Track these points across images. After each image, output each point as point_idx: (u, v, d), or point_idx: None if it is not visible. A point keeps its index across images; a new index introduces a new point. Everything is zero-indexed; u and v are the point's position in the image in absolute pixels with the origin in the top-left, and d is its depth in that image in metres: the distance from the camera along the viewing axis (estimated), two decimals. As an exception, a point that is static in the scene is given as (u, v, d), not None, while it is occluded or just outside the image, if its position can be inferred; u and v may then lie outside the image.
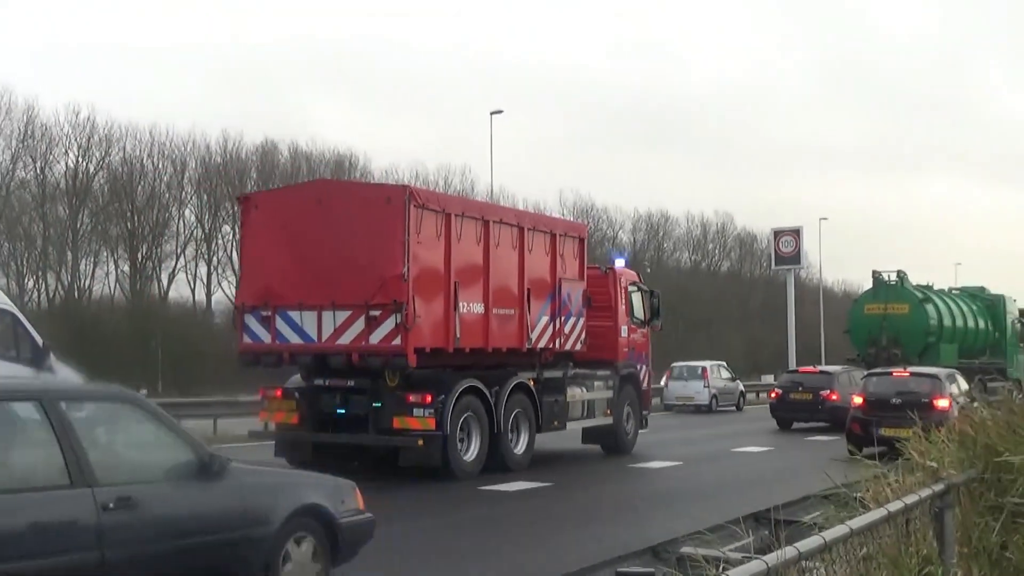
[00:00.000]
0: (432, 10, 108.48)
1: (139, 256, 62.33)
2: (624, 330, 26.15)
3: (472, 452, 20.79)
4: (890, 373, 26.99)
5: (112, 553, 8.11)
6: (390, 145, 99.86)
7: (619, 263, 27.16)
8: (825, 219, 77.84)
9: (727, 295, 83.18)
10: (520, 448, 21.93)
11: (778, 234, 61.31)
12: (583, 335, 23.71)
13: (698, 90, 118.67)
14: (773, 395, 36.10)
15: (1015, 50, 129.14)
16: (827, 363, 47.71)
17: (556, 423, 23.03)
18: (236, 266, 50.98)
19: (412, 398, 20.09)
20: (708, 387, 45.29)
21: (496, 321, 21.19)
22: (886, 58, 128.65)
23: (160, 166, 63.75)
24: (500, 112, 54.81)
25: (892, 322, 37.98)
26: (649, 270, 68.07)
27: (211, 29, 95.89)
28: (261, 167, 65.99)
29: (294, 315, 20.19)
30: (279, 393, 20.89)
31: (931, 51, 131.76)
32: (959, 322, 40.12)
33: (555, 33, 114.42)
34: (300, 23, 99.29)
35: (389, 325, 19.35)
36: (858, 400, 25.97)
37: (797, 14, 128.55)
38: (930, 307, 38.86)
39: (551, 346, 22.66)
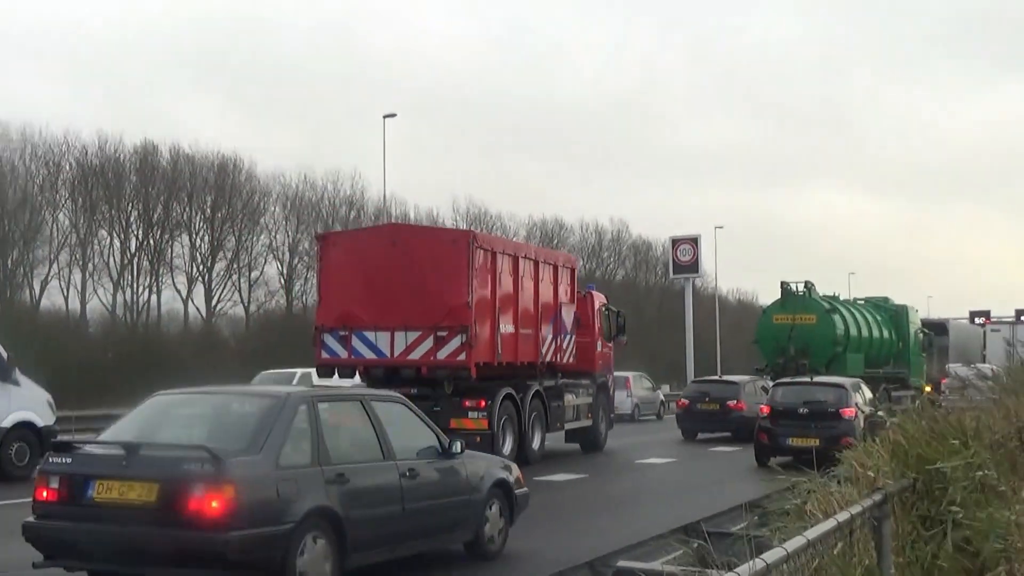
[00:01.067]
0: (307, 8, 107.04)
1: (9, 262, 61.95)
2: (599, 345, 31.50)
3: (507, 448, 25.74)
4: (796, 383, 27.13)
5: (408, 506, 11.52)
6: (273, 147, 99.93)
7: (591, 289, 32.88)
8: (721, 227, 76.96)
9: (622, 304, 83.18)
10: (536, 445, 27.26)
11: (676, 242, 62.15)
12: (574, 350, 29.16)
13: (588, 96, 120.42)
14: (680, 405, 36.74)
15: (888, 59, 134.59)
16: (723, 373, 48.77)
17: (558, 424, 28.56)
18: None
19: (468, 403, 25.01)
20: (631, 396, 47.14)
21: (521, 339, 26.24)
22: (765, 66, 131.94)
23: (33, 168, 63.28)
24: (393, 116, 53.86)
25: (800, 332, 38.64)
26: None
27: (77, 18, 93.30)
28: (141, 170, 66.08)
29: (369, 335, 24.93)
30: None
31: (809, 60, 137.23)
32: (865, 332, 41.17)
33: (445, 36, 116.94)
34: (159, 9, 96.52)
35: (455, 343, 24.36)
36: (765, 410, 26.09)
37: (677, 25, 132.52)
38: (837, 317, 39.57)
39: (553, 360, 27.88)
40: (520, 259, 26.47)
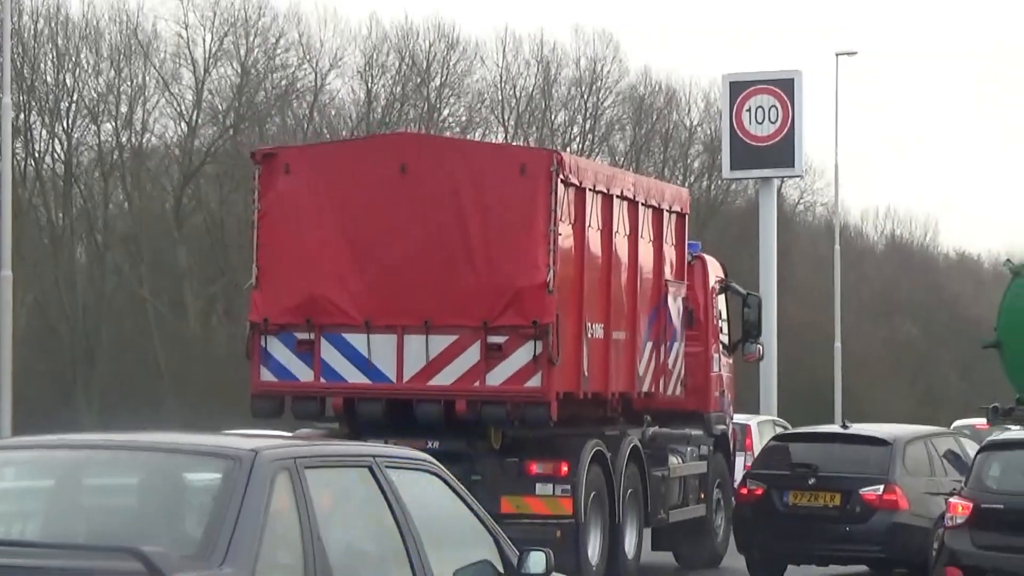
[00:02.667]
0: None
1: None
2: (716, 361, 21.85)
3: (594, 551, 17.43)
4: None
5: None
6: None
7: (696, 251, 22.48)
8: (853, 54, 45.14)
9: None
10: (631, 549, 18.42)
11: (741, 92, 36.58)
12: (683, 371, 20.18)
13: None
14: (743, 495, 20.34)
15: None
16: (865, 416, 32.49)
17: (661, 512, 19.27)
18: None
19: (537, 467, 16.69)
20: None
21: (614, 350, 18.10)
22: None
23: None
24: None
25: None
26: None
27: None
28: None
29: (354, 339, 16.51)
30: None
31: None
32: None
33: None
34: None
35: (522, 358, 16.13)
36: (960, 510, 15.67)
37: None
38: None
39: (654, 388, 19.19)
40: (615, 199, 18.05)
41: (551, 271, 16.00)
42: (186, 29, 52.80)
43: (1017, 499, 14.94)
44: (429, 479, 8.91)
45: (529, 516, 16.40)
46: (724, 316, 22.18)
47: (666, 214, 19.42)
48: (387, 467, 8.47)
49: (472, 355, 16.33)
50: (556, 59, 57.39)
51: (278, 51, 54.14)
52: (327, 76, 54.93)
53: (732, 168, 39.43)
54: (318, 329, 16.59)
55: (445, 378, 16.40)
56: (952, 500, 15.53)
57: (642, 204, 18.71)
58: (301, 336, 16.65)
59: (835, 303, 45.42)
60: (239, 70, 53.62)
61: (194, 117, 53.58)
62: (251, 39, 53.55)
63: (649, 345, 19.05)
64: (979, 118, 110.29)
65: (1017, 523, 14.81)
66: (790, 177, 49.06)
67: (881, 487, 18.48)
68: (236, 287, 52.94)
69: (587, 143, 57.66)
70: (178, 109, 53.82)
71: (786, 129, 36.58)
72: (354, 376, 16.58)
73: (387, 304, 16.49)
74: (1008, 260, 27.02)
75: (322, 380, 16.64)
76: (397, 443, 16.05)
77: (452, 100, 56.53)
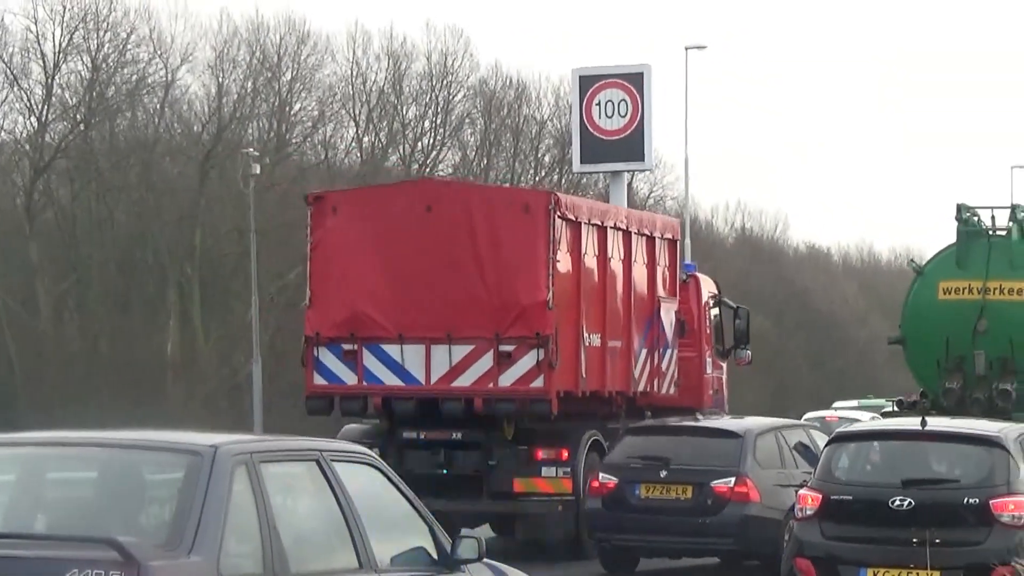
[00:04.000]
0: None
1: None
2: (708, 364, 26.01)
3: None
4: (884, 433, 17.36)
5: None
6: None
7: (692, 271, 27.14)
8: (702, 48, 53.33)
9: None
10: None
11: (592, 86, 36.70)
12: (676, 373, 24.32)
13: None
14: (594, 488, 20.41)
15: None
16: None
17: None
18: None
19: (542, 453, 20.81)
20: None
21: (610, 356, 22.20)
22: None
23: None
24: None
25: (1001, 320, 24.87)
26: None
27: None
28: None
29: (391, 350, 20.70)
30: None
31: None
32: None
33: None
34: None
35: (527, 363, 20.35)
36: (810, 501, 15.57)
37: None
38: None
39: (649, 388, 23.45)
40: (609, 231, 22.30)
41: (550, 291, 20.15)
42: (35, 23, 54.13)
43: (865, 490, 15.21)
44: (370, 472, 9.69)
45: (537, 494, 20.62)
46: (720, 327, 26.49)
47: (658, 241, 23.63)
48: (333, 460, 9.20)
49: (487, 361, 20.36)
50: (406, 54, 60.87)
51: (129, 46, 55.56)
52: (178, 71, 56.93)
53: (582, 162, 39.38)
54: (360, 341, 20.65)
55: (465, 380, 20.46)
56: (801, 492, 15.61)
57: (635, 233, 22.87)
58: (347, 347, 20.73)
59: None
60: (90, 65, 55.27)
61: (44, 112, 55.25)
62: (102, 34, 55.06)
63: (644, 352, 23.01)
64: (814, 112, 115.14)
65: (865, 513, 14.99)
66: (640, 171, 51.32)
67: (732, 479, 19.10)
68: (87, 283, 55.28)
69: (438, 137, 61.21)
70: (27, 104, 55.34)
71: (636, 123, 37.18)
72: (390, 379, 20.67)
73: (416, 320, 20.54)
74: (912, 260, 29.59)
75: (364, 383, 20.72)
76: (426, 436, 20.81)
77: (303, 95, 58.92)
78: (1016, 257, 25.04)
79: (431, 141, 61.58)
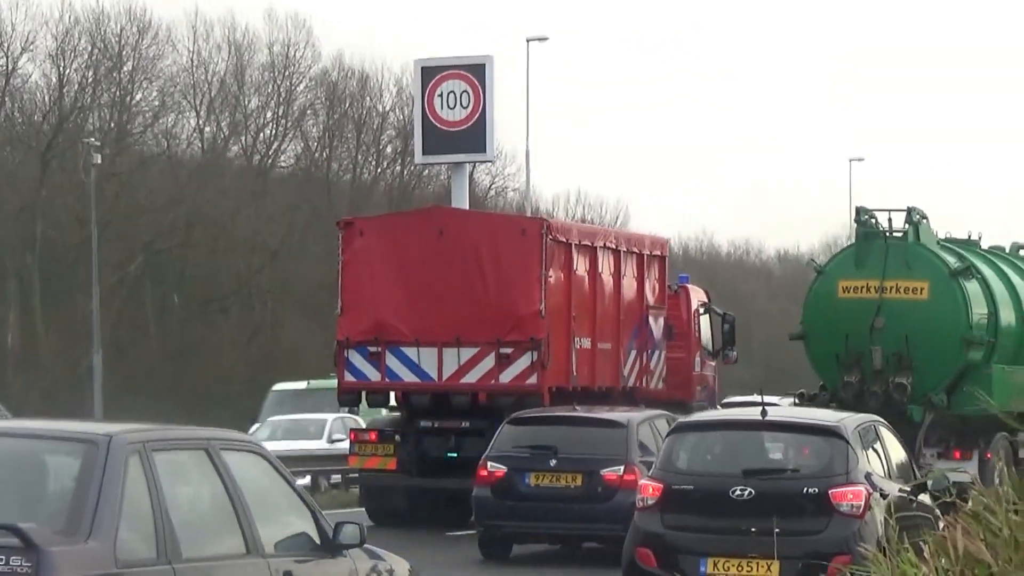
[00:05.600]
0: None
1: None
2: (697, 363, 30.88)
3: None
4: (727, 422, 17.98)
5: None
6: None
7: (685, 283, 31.99)
8: (544, 39, 56.28)
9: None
10: None
11: (434, 76, 37.10)
12: (664, 370, 28.96)
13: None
14: (483, 477, 21.56)
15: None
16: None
17: None
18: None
19: None
20: None
21: (600, 357, 26.92)
22: None
23: None
24: None
25: (897, 317, 27.05)
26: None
27: None
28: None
29: (409, 352, 25.53)
30: (374, 436, 25.96)
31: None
32: None
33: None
34: None
35: (523, 363, 25.19)
36: (651, 491, 15.91)
37: None
38: (974, 287, 27.47)
39: (638, 384, 27.96)
40: (599, 250, 27.27)
41: (543, 303, 25.01)
42: None
43: (705, 480, 15.73)
44: (256, 460, 10.08)
45: None
46: (711, 330, 31.44)
47: (647, 257, 28.68)
48: (221, 449, 9.56)
49: (489, 361, 25.09)
50: (248, 43, 64.06)
51: (-31, 35, 57.43)
52: (19, 60, 59.55)
53: (424, 153, 40.22)
54: (384, 345, 25.36)
55: (471, 377, 25.18)
56: (643, 481, 16.11)
57: (624, 251, 27.78)
58: (372, 350, 25.47)
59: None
60: (-71, 55, 56.56)
61: None
62: (-59, 23, 56.63)
63: (633, 353, 27.72)
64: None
65: (705, 503, 15.48)
66: (481, 162, 51.50)
67: (621, 468, 20.54)
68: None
69: (280, 128, 64.42)
70: None
71: (477, 114, 37.75)
72: (409, 377, 25.42)
73: (431, 326, 25.14)
74: (812, 259, 33.57)
75: (387, 380, 25.54)
76: (439, 424, 25.50)
77: (144, 84, 61.98)
78: (912, 258, 27.23)
79: (273, 132, 64.54)
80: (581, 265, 26.65)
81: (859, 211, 28.12)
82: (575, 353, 26.28)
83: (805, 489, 15.20)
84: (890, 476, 16.15)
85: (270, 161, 63.95)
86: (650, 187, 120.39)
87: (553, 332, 25.55)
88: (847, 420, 16.33)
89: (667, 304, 29.84)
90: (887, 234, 27.77)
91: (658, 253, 29.67)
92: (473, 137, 39.19)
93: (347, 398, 26.28)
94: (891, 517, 13.68)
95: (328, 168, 64.85)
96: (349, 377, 25.86)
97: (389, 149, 67.15)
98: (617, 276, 27.72)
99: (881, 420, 17.70)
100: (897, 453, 17.14)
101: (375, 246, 25.89)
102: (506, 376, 25.30)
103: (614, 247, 27.92)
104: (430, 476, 25.64)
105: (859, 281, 27.66)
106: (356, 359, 25.77)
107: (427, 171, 62.21)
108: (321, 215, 59.90)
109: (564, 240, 26.24)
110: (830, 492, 14.95)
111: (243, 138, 64.37)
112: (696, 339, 31.23)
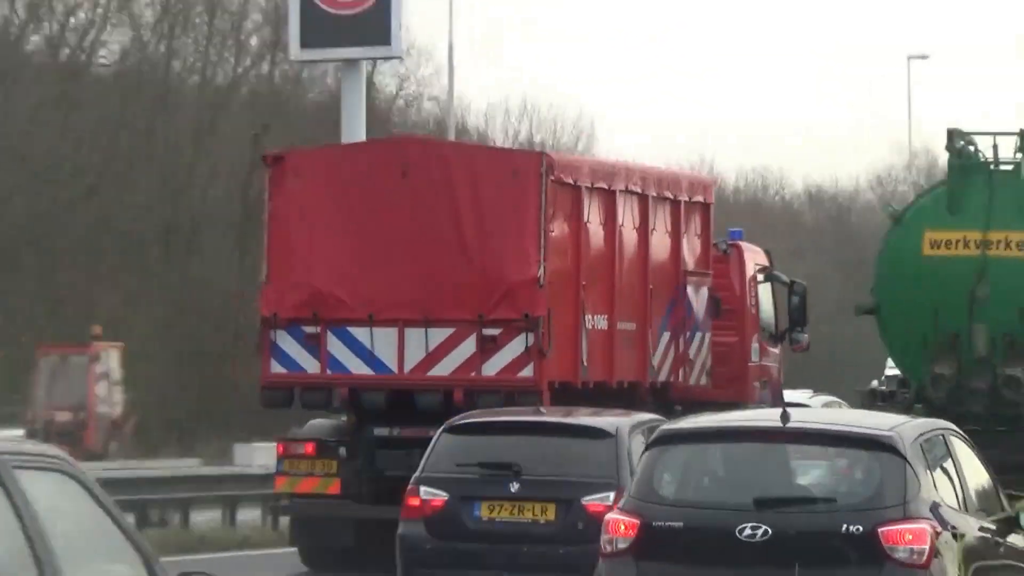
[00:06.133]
0: None
1: None
2: (755, 350, 30.89)
3: None
4: (728, 430, 16.56)
5: None
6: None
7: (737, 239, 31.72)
8: None
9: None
10: None
11: None
12: (709, 361, 29.06)
13: None
14: (411, 506, 20.94)
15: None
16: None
17: None
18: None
19: None
20: None
21: (620, 341, 26.92)
22: None
23: None
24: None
25: (1008, 284, 27.11)
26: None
27: None
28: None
29: (359, 333, 25.65)
30: (311, 448, 26.06)
31: None
32: None
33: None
34: None
35: (515, 349, 25.37)
36: (625, 529, 15.20)
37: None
38: None
39: (674, 379, 27.96)
40: (618, 195, 27.38)
41: (542, 267, 24.77)
42: None
43: (701, 514, 14.96)
44: (64, 482, 9.99)
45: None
46: (775, 304, 31.47)
47: (685, 205, 28.36)
48: (15, 467, 9.51)
49: (468, 347, 25.07)
50: None
51: None
52: None
53: (304, 46, 41.22)
54: (324, 323, 25.26)
55: (443, 369, 25.16)
56: (612, 516, 15.36)
57: (653, 197, 27.55)
58: (309, 330, 25.37)
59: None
60: None
61: None
62: None
63: (666, 335, 27.60)
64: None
65: (701, 547, 14.88)
66: (384, 59, 52.63)
67: (610, 494, 19.00)
68: None
69: (99, 11, 64.50)
70: None
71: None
72: (359, 368, 25.39)
73: (389, 299, 25.18)
74: (889, 204, 32.48)
75: (328, 372, 25.45)
76: (399, 433, 25.63)
77: None
78: None
79: (89, 16, 64.05)
80: (595, 216, 26.76)
81: (951, 135, 27.43)
82: (586, 336, 26.38)
83: (845, 527, 14.18)
84: (966, 508, 15.22)
85: (85, 56, 63.96)
86: (626, 100, 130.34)
87: (556, 307, 25.71)
88: (904, 427, 15.27)
89: (713, 269, 29.76)
90: (992, 166, 27.43)
91: (700, 199, 29.67)
92: (371, 25, 40.29)
93: (272, 396, 26.39)
94: (967, 567, 13.76)
95: (167, 68, 64.70)
96: (276, 367, 26.07)
97: (254, 41, 67.16)
98: (644, 231, 27.79)
99: (953, 427, 16.57)
100: (977, 475, 16.13)
101: (315, 190, 26.24)
102: (491, 367, 25.61)
103: (640, 190, 27.92)
104: (386, 503, 24.60)
105: (954, 233, 27.17)
106: (287, 343, 26.02)
107: (307, 71, 62.40)
108: (156, 134, 60.61)
109: (572, 182, 26.35)
110: (880, 531, 14.07)
111: (47, 24, 64.51)
112: (753, 317, 31.19)
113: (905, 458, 14.44)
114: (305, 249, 26.08)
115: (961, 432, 16.39)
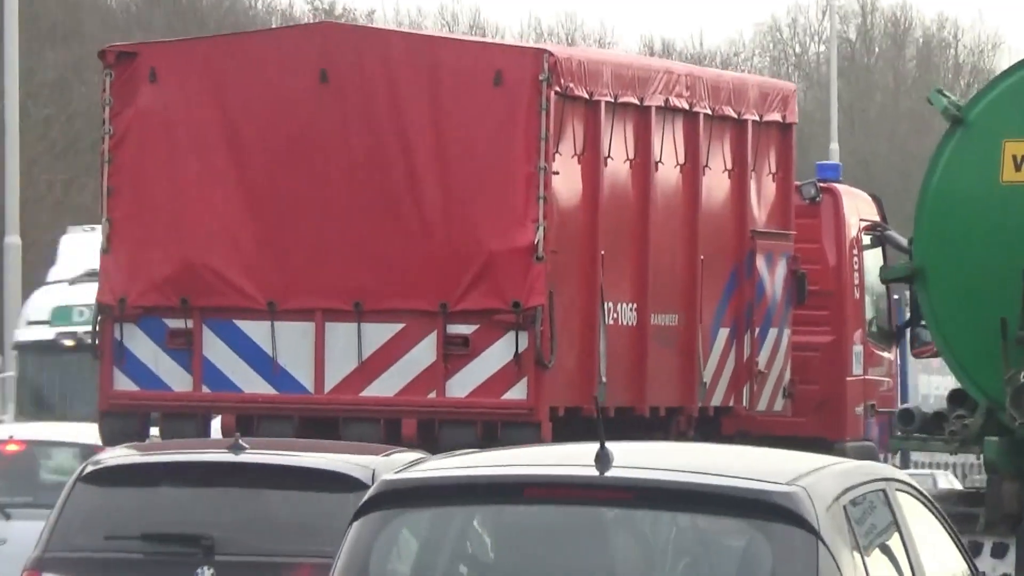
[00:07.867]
0: None
1: None
2: (858, 355, 25.53)
3: None
4: (588, 481, 12.62)
5: None
6: None
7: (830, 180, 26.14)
8: None
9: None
10: None
11: None
12: (788, 374, 23.77)
13: None
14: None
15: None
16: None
17: None
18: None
19: None
20: None
21: (657, 343, 21.86)
22: None
23: None
24: None
25: None
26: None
27: None
28: None
29: (252, 329, 20.34)
30: None
31: None
32: None
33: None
34: None
35: (499, 357, 20.03)
36: None
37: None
38: None
39: (734, 402, 23.07)
40: (654, 112, 21.76)
41: (540, 228, 19.41)
42: None
43: None
44: None
45: None
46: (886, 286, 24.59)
47: (752, 127, 22.76)
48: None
49: (426, 352, 19.83)
50: None
51: None
52: None
53: None
54: (198, 314, 19.98)
55: (386, 386, 19.93)
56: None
57: (706, 115, 22.08)
58: (174, 324, 20.21)
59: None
60: None
61: None
62: None
63: (723, 334, 22.51)
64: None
65: None
66: None
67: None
68: None
69: None
70: None
71: None
72: (252, 383, 20.14)
73: (300, 278, 20.01)
74: (940, 90, 23.47)
75: (205, 389, 20.24)
76: None
77: None
78: None
79: None
80: (619, 148, 21.26)
81: None
82: (605, 336, 20.89)
83: None
84: None
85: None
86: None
87: (561, 292, 20.44)
88: (818, 479, 10.30)
89: (796, 229, 24.15)
90: None
91: (777, 117, 23.77)
92: None
93: (117, 425, 20.64)
94: None
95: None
96: (123, 382, 20.66)
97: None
98: (694, 169, 22.28)
99: (905, 479, 11.64)
100: (939, 554, 11.55)
101: (183, 104, 20.83)
102: (461, 384, 20.30)
103: (687, 106, 22.23)
104: None
105: None
106: (140, 344, 20.62)
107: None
108: None
109: (586, 94, 20.75)
110: None
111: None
112: (856, 304, 25.41)
113: (816, 532, 9.54)
114: (168, 199, 20.77)
115: (916, 487, 11.27)
